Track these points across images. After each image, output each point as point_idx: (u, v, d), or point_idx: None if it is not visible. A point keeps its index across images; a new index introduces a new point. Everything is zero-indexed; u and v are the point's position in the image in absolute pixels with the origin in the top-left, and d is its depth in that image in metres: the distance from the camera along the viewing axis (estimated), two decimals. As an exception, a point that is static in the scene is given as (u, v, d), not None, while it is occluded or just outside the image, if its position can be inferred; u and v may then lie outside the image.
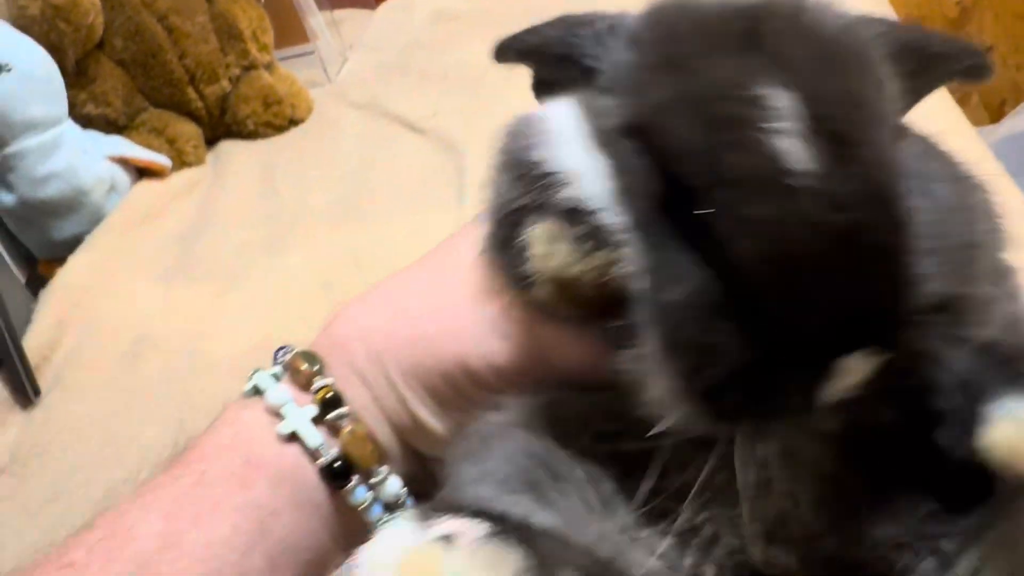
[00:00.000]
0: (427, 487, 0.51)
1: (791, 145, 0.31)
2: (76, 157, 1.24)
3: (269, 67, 1.50)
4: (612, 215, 0.37)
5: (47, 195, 1.22)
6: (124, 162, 1.32)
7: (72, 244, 1.23)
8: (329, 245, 1.14)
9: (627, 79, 0.38)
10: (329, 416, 0.49)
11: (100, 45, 1.33)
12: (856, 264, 0.32)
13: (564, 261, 0.37)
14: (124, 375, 1.00)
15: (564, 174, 0.39)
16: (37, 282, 1.22)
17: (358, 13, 1.89)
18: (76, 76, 1.30)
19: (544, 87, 0.46)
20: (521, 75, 0.48)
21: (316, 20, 1.66)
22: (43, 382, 0.99)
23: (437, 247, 0.56)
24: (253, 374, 0.53)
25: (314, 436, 0.48)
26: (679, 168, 0.34)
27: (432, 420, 0.50)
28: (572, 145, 0.40)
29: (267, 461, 0.48)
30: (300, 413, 0.49)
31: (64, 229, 1.26)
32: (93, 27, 1.28)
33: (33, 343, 1.02)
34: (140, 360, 1.02)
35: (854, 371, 0.33)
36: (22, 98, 1.17)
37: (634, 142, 0.36)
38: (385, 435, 0.51)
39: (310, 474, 0.48)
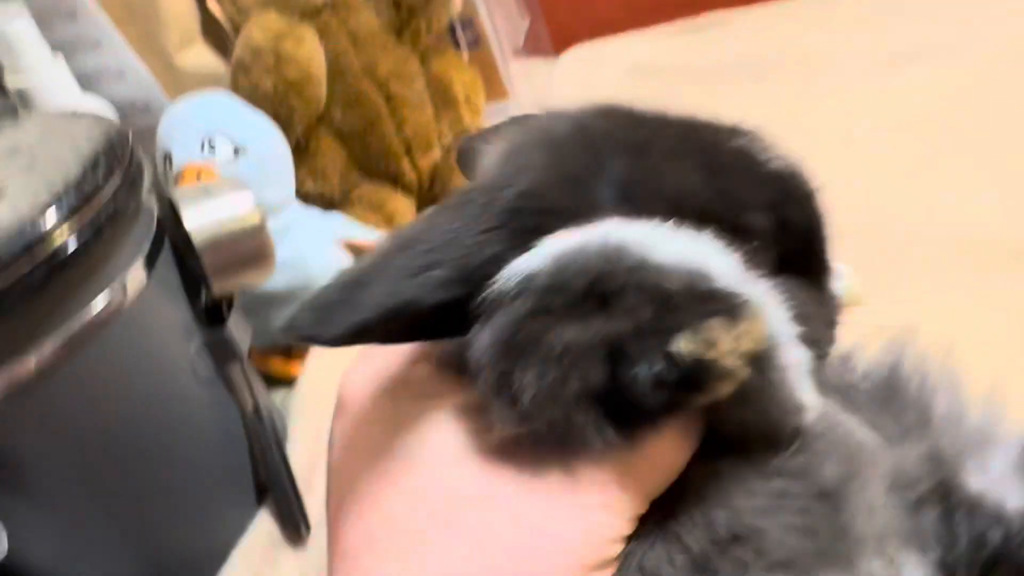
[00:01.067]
0: None
1: None
2: (305, 243, 1.13)
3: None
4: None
5: (276, 286, 1.11)
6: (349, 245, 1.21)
7: (293, 333, 1.13)
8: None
9: None
10: None
11: (320, 118, 1.23)
12: None
13: (743, 335, 0.33)
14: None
15: (701, 275, 0.36)
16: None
17: (538, 63, 1.78)
18: (296, 152, 1.20)
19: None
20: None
21: (509, 73, 1.55)
22: (311, 513, 0.88)
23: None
24: None
25: None
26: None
27: None
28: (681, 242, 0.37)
29: None
30: None
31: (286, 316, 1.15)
32: (320, 100, 1.18)
33: (294, 466, 0.91)
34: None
35: None
36: (256, 182, 1.07)
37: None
38: None
39: None
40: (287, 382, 1.14)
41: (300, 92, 1.12)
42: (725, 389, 0.33)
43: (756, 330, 0.33)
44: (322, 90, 1.16)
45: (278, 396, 1.10)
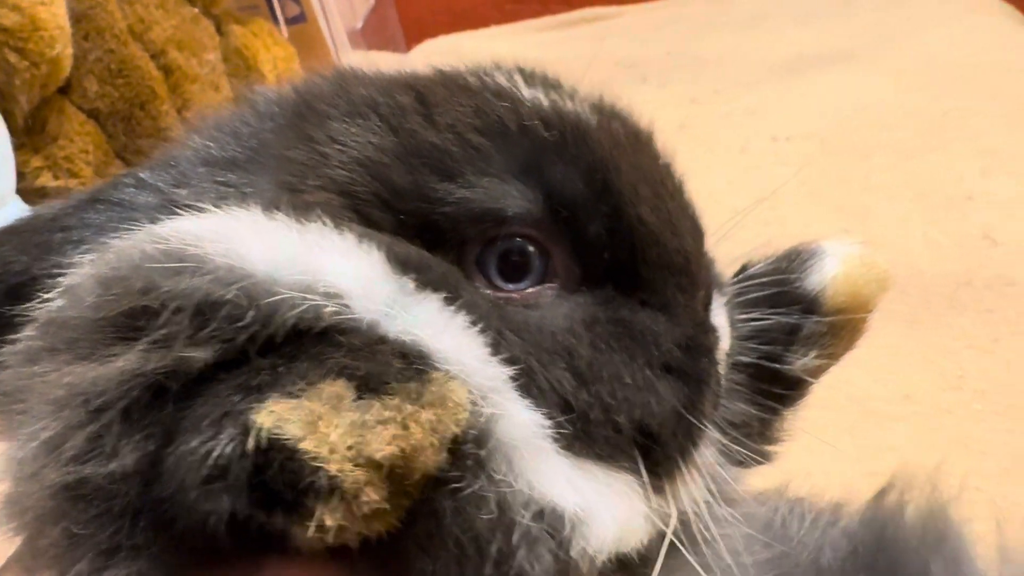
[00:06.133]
0: None
1: None
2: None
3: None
4: (414, 328, 0.25)
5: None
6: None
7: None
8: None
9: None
10: None
11: (65, 89, 0.92)
12: None
13: (380, 424, 0.22)
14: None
15: (299, 290, 0.24)
16: None
17: (389, 57, 1.52)
18: (28, 133, 0.89)
19: None
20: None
21: (349, 60, 1.28)
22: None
23: None
24: None
25: None
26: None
27: None
28: (290, 250, 0.26)
29: None
30: None
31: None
32: (58, 62, 0.86)
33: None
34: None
35: None
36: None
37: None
38: None
39: None
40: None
41: (20, 47, 0.81)
42: (338, 516, 0.21)
43: (432, 404, 0.22)
44: (56, 49, 0.85)
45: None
